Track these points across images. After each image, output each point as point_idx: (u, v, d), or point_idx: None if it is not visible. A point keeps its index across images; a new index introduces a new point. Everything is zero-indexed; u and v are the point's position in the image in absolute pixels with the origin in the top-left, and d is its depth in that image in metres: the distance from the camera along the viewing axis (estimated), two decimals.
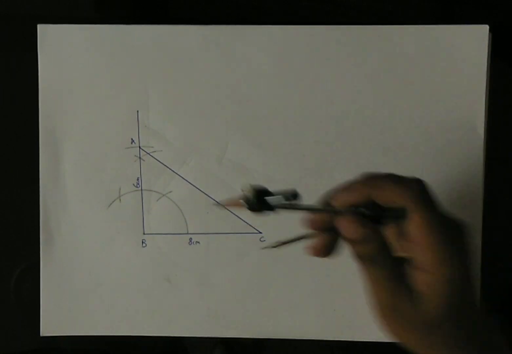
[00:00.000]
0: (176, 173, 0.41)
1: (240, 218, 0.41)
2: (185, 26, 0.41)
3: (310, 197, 0.29)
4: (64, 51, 0.41)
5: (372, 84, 0.41)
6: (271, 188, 0.30)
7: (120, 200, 0.41)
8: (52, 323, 0.42)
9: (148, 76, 0.41)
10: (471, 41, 0.40)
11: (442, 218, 0.28)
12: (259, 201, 0.28)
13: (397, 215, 0.28)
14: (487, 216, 0.41)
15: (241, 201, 0.28)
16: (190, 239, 0.41)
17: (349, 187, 0.29)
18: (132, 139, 0.41)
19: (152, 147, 0.41)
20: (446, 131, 0.41)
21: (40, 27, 0.41)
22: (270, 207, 0.28)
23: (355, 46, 0.41)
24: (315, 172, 0.41)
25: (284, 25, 0.41)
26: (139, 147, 0.41)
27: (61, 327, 0.42)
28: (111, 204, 0.41)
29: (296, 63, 0.41)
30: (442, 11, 0.42)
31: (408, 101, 0.41)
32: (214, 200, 0.41)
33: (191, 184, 0.41)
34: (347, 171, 0.41)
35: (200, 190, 0.41)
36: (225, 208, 0.31)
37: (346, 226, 0.28)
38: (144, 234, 0.41)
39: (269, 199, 0.28)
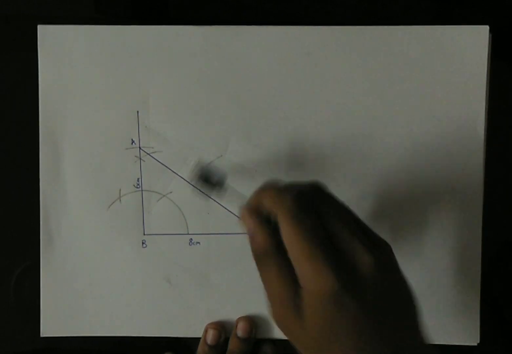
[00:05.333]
0: (176, 174, 0.41)
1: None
2: (185, 27, 0.41)
3: None
4: (64, 51, 0.41)
5: (372, 84, 0.41)
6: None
7: (120, 200, 0.41)
8: (52, 323, 0.42)
9: (148, 76, 0.41)
10: (471, 42, 0.40)
11: (310, 230, 0.27)
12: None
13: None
14: (487, 216, 0.41)
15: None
16: (191, 239, 0.41)
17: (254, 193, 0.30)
18: (132, 139, 0.41)
19: (152, 147, 0.41)
20: (446, 131, 0.41)
21: (40, 27, 0.41)
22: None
23: (355, 46, 0.41)
24: (315, 172, 0.41)
25: (284, 25, 0.41)
26: (139, 147, 0.41)
27: (61, 327, 0.42)
28: (111, 204, 0.41)
29: (296, 63, 0.41)
30: (442, 11, 0.42)
31: (408, 101, 0.41)
32: (214, 200, 0.41)
33: (191, 184, 0.41)
34: (347, 171, 0.41)
35: (200, 190, 0.41)
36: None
37: (242, 216, 0.29)
38: (144, 234, 0.41)
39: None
